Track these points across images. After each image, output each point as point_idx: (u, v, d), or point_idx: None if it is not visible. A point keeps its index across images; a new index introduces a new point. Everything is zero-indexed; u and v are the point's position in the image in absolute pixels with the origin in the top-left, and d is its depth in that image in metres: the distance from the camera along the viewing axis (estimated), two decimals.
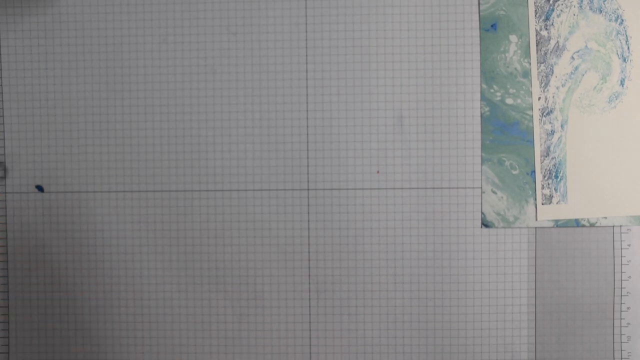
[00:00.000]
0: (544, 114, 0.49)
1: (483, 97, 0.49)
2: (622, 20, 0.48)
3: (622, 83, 0.49)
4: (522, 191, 0.49)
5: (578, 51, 0.49)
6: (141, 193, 0.50)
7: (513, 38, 0.49)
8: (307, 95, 0.49)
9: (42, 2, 0.50)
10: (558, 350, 0.50)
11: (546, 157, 0.49)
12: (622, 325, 0.50)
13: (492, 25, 0.49)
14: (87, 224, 0.50)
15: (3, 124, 0.50)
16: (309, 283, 0.50)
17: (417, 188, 0.49)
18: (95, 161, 0.50)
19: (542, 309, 0.50)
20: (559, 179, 0.49)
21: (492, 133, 0.49)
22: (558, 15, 0.49)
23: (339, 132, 0.49)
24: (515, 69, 0.49)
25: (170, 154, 0.50)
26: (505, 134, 0.49)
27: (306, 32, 0.49)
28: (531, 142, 0.49)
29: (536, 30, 0.49)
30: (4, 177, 0.50)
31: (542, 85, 0.49)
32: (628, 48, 0.49)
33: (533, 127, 0.49)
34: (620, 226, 0.49)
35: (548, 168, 0.49)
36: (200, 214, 0.50)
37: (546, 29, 0.49)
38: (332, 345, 0.50)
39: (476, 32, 0.49)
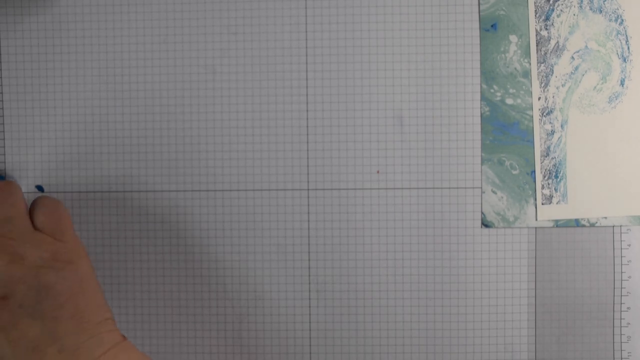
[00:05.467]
0: (544, 114, 0.49)
1: (483, 97, 0.49)
2: (622, 20, 0.48)
3: (622, 83, 0.49)
4: (522, 191, 0.49)
5: (578, 51, 0.49)
6: (141, 193, 0.50)
7: (513, 38, 0.49)
8: (307, 95, 0.49)
9: (42, 2, 0.50)
10: (558, 350, 0.50)
11: (546, 157, 0.49)
12: (622, 325, 0.50)
13: (492, 25, 0.49)
14: (87, 223, 0.50)
15: (3, 124, 0.50)
16: (309, 283, 0.50)
17: (417, 188, 0.49)
18: (95, 161, 0.50)
19: (542, 309, 0.50)
20: (559, 179, 0.49)
21: (492, 133, 0.49)
22: (558, 16, 0.49)
23: (339, 132, 0.49)
24: (515, 69, 0.49)
25: (170, 154, 0.50)
26: (505, 134, 0.49)
27: (306, 32, 0.49)
28: (531, 142, 0.49)
29: (536, 30, 0.49)
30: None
31: (542, 85, 0.49)
32: (628, 48, 0.49)
33: (533, 127, 0.49)
34: (620, 226, 0.49)
35: (548, 168, 0.49)
36: (200, 214, 0.50)
37: (546, 29, 0.49)
38: (332, 345, 0.50)
39: (476, 32, 0.49)
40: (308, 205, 0.50)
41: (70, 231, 0.41)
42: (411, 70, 0.49)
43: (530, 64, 0.49)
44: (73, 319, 0.38)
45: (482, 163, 0.49)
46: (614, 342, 0.50)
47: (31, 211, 0.41)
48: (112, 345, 0.38)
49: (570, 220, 0.49)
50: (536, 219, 0.49)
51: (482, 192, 0.49)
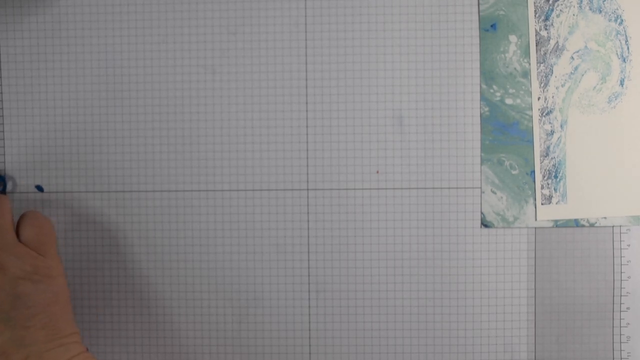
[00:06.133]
0: (544, 114, 0.49)
1: (483, 97, 0.49)
2: (622, 20, 0.48)
3: (621, 83, 0.49)
4: (522, 191, 0.49)
5: (578, 51, 0.49)
6: (141, 193, 0.50)
7: (513, 38, 0.49)
8: (307, 95, 0.49)
9: (42, 2, 0.50)
10: (558, 350, 0.50)
11: (546, 157, 0.49)
12: (622, 325, 0.50)
13: (491, 25, 0.49)
14: (87, 223, 0.50)
15: (3, 124, 0.50)
16: (309, 283, 0.50)
17: (417, 188, 0.49)
18: (95, 161, 0.50)
19: (541, 309, 0.50)
20: (558, 179, 0.49)
21: (491, 133, 0.49)
22: (557, 16, 0.49)
23: (339, 132, 0.49)
24: (515, 69, 0.49)
25: (170, 154, 0.50)
26: (505, 134, 0.49)
27: (306, 32, 0.49)
28: (531, 142, 0.49)
29: (536, 31, 0.49)
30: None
31: (542, 85, 0.49)
32: (628, 48, 0.49)
33: (532, 127, 0.49)
34: (620, 226, 0.49)
35: (547, 168, 0.49)
36: (200, 214, 0.50)
37: (546, 29, 0.49)
38: (331, 345, 0.50)
39: (476, 32, 0.49)
40: (308, 205, 0.50)
41: (54, 249, 0.44)
42: (411, 70, 0.49)
43: (529, 64, 0.49)
44: (44, 329, 0.40)
45: (481, 163, 0.49)
46: (613, 342, 0.50)
47: (19, 223, 0.44)
48: (76, 354, 0.41)
49: (569, 221, 0.49)
50: (536, 219, 0.49)
51: (482, 192, 0.49)
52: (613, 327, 0.50)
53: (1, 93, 0.50)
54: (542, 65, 0.49)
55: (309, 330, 0.50)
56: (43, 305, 0.41)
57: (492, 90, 0.49)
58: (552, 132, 0.49)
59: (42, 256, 0.43)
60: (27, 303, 0.40)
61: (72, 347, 0.41)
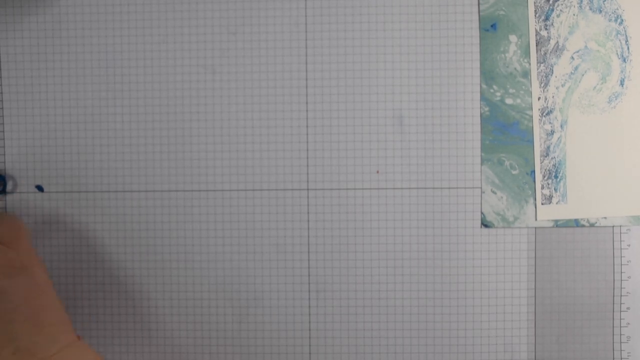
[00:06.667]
0: (544, 114, 0.49)
1: (483, 97, 0.49)
2: (622, 20, 0.48)
3: (621, 83, 0.49)
4: (522, 191, 0.49)
5: (578, 51, 0.49)
6: (141, 193, 0.50)
7: (513, 38, 0.49)
8: (307, 95, 0.49)
9: (42, 2, 0.50)
10: (558, 350, 0.50)
11: (546, 157, 0.49)
12: (622, 325, 0.50)
13: (491, 25, 0.49)
14: (87, 223, 0.50)
15: (3, 124, 0.50)
16: (309, 283, 0.50)
17: (417, 188, 0.49)
18: (95, 161, 0.50)
19: (542, 309, 0.50)
20: (558, 179, 0.49)
21: (491, 133, 0.49)
22: (558, 16, 0.49)
23: (339, 132, 0.49)
24: (515, 69, 0.49)
25: (170, 154, 0.50)
26: (505, 134, 0.49)
27: (306, 32, 0.49)
28: (531, 142, 0.49)
29: (536, 30, 0.49)
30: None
31: (542, 85, 0.49)
32: (628, 48, 0.49)
33: (533, 127, 0.49)
34: (620, 226, 0.49)
35: (548, 168, 0.49)
36: (200, 214, 0.50)
37: (546, 29, 0.49)
38: (331, 346, 0.50)
39: (476, 32, 0.49)
40: (308, 205, 0.50)
41: (25, 242, 0.43)
42: (411, 70, 0.49)
43: (530, 64, 0.49)
44: (28, 321, 0.40)
45: (481, 163, 0.49)
46: (613, 342, 0.50)
47: None
48: (65, 345, 0.40)
49: (570, 220, 0.49)
50: (536, 219, 0.49)
51: (482, 192, 0.49)
52: (613, 327, 0.50)
53: (1, 93, 0.50)
54: (542, 65, 0.49)
55: (309, 330, 0.50)
56: (24, 299, 0.40)
57: (492, 90, 0.49)
58: (552, 132, 0.49)
59: (14, 250, 0.42)
60: (7, 298, 0.40)
61: (61, 338, 0.41)
